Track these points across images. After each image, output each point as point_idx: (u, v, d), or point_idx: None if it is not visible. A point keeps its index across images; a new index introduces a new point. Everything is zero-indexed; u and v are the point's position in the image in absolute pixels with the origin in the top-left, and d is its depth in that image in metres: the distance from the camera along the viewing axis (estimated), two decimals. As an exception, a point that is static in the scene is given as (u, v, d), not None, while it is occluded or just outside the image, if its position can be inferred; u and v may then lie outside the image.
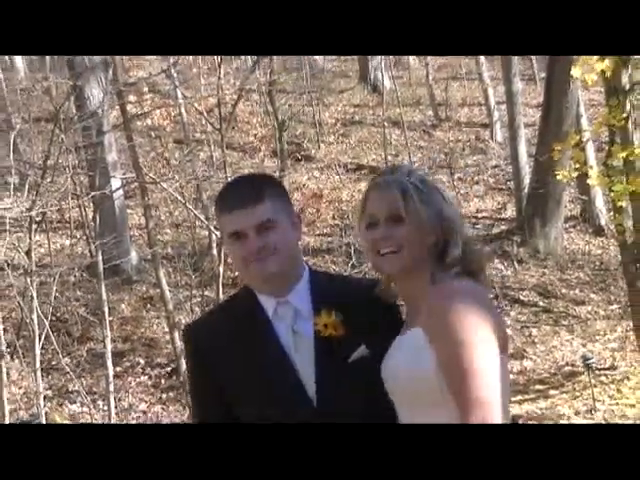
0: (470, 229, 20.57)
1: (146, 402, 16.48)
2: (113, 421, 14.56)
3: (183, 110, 19.97)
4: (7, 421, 13.67)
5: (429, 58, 28.50)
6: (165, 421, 15.80)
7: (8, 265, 16.27)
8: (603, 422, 12.84)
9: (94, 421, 15.29)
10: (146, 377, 17.08)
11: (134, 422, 15.83)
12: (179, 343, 15.67)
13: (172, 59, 18.49)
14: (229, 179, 14.36)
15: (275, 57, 19.28)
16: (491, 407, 3.32)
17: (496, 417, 3.33)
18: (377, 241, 3.53)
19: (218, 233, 15.94)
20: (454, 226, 3.53)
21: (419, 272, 3.53)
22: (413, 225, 3.49)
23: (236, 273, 15.10)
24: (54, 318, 16.00)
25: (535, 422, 13.07)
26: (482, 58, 26.56)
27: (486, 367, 3.35)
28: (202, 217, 17.52)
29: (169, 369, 16.89)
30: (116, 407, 15.04)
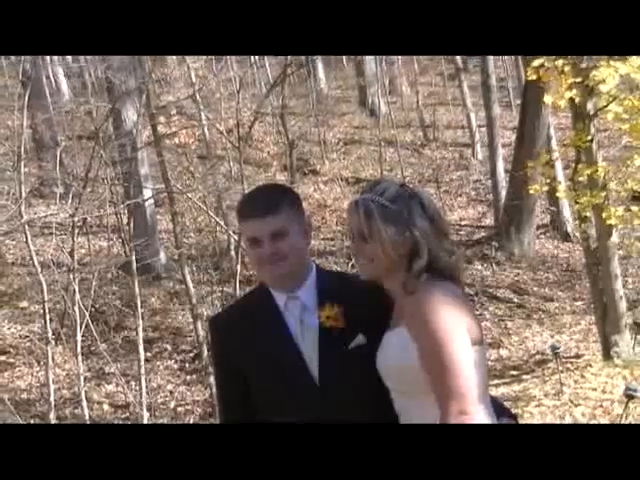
0: (454, 236, 20.58)
1: (172, 383, 16.47)
2: (144, 399, 14.54)
3: (206, 130, 19.95)
4: (52, 398, 13.66)
5: (419, 86, 28.47)
6: (189, 399, 15.80)
7: (54, 263, 16.34)
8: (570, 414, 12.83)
9: (127, 399, 15.29)
10: (172, 361, 17.08)
11: (162, 400, 15.82)
12: (201, 332, 15.71)
13: (197, 86, 18.48)
14: (246, 190, 14.35)
15: (286, 85, 19.27)
16: (467, 398, 3.33)
17: (472, 406, 3.34)
18: (354, 253, 3.58)
19: (236, 237, 15.96)
20: (421, 243, 3.46)
21: (395, 277, 3.51)
22: (376, 243, 3.45)
23: (251, 272, 15.11)
24: (93, 309, 16.02)
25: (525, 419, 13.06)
26: (465, 87, 26.52)
27: (462, 362, 3.35)
28: (222, 223, 17.52)
29: (192, 354, 16.89)
30: (147, 387, 15.02)
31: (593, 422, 12.21)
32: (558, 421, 12.42)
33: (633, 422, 11.93)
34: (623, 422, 11.85)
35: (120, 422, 15.11)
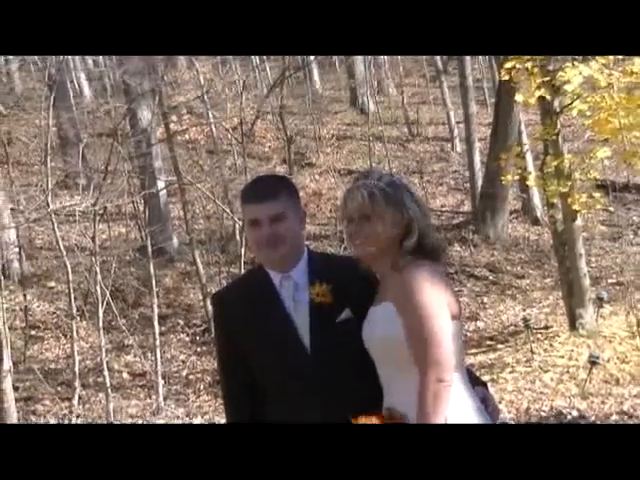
0: (435, 220, 20.59)
1: (184, 354, 16.47)
2: (159, 368, 14.52)
3: (213, 127, 19.90)
4: (77, 368, 13.63)
5: (404, 87, 28.39)
6: (199, 368, 15.79)
7: (77, 247, 16.35)
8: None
9: (144, 369, 15.27)
10: (184, 335, 17.06)
11: (175, 369, 15.81)
12: (210, 308, 15.66)
13: (205, 88, 18.41)
14: (250, 179, 14.28)
15: (284, 86, 19.20)
16: (445, 367, 3.35)
17: (449, 375, 3.35)
18: (352, 234, 3.54)
19: (240, 223, 15.93)
20: (414, 223, 3.49)
21: (386, 256, 3.52)
22: (378, 222, 3.47)
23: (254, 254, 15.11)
24: (113, 288, 15.99)
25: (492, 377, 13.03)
26: (445, 88, 26.44)
27: (442, 334, 3.37)
28: (228, 210, 17.51)
29: (202, 328, 16.87)
30: (161, 358, 15.04)
31: (560, 386, 12.22)
32: (529, 385, 12.43)
33: (596, 385, 11.95)
34: (587, 386, 11.86)
35: (138, 389, 15.11)
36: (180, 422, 13.61)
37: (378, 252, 3.52)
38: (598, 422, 10.55)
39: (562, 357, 13.32)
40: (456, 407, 3.37)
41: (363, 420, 3.33)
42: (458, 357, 3.47)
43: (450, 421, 3.33)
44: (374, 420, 3.33)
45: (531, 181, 14.95)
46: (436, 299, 3.40)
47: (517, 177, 15.77)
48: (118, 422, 13.67)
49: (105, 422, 13.60)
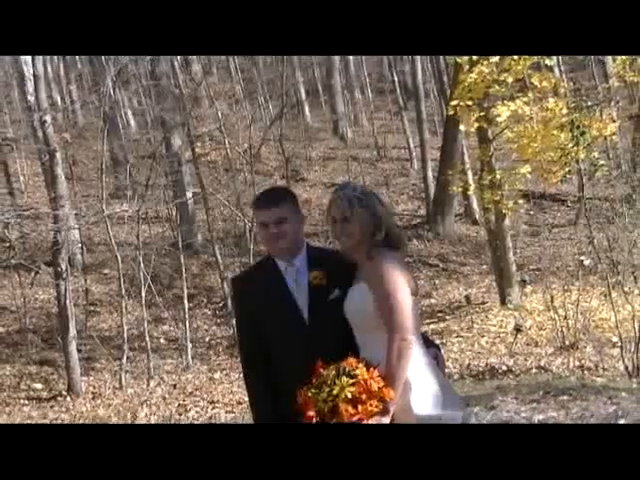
0: (398, 221, 20.60)
1: (207, 324, 16.47)
2: (188, 335, 14.49)
3: (229, 151, 19.85)
4: (125, 335, 13.58)
5: (374, 120, 28.35)
6: (219, 335, 15.78)
7: (125, 243, 16.33)
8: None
9: (177, 335, 15.25)
10: (207, 309, 17.05)
11: (200, 336, 15.78)
12: (227, 289, 15.66)
13: (222, 121, 18.35)
14: (256, 192, 14.26)
15: (283, 119, 19.15)
16: (407, 330, 3.37)
17: (410, 336, 3.37)
18: (337, 233, 3.56)
19: (250, 225, 15.91)
20: (382, 220, 3.53)
21: (362, 247, 3.54)
22: (357, 222, 3.50)
23: (260, 247, 15.06)
24: (153, 274, 15.96)
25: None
26: (406, 120, 26.37)
27: (404, 305, 3.40)
28: (240, 215, 17.49)
29: (221, 305, 16.87)
30: (189, 327, 15.03)
31: (493, 348, 12.25)
32: (469, 347, 12.46)
33: (521, 347, 11.98)
34: (514, 347, 11.90)
35: (172, 351, 15.10)
36: (204, 376, 13.62)
37: (357, 244, 3.54)
38: (522, 375, 10.57)
39: (494, 325, 13.38)
40: (413, 362, 3.41)
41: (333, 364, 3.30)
42: (415, 324, 3.50)
43: (409, 374, 3.34)
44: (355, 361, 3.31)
45: (471, 191, 15.02)
46: (399, 278, 3.44)
47: (460, 188, 15.82)
48: (157, 376, 13.67)
49: (146, 377, 13.59)
